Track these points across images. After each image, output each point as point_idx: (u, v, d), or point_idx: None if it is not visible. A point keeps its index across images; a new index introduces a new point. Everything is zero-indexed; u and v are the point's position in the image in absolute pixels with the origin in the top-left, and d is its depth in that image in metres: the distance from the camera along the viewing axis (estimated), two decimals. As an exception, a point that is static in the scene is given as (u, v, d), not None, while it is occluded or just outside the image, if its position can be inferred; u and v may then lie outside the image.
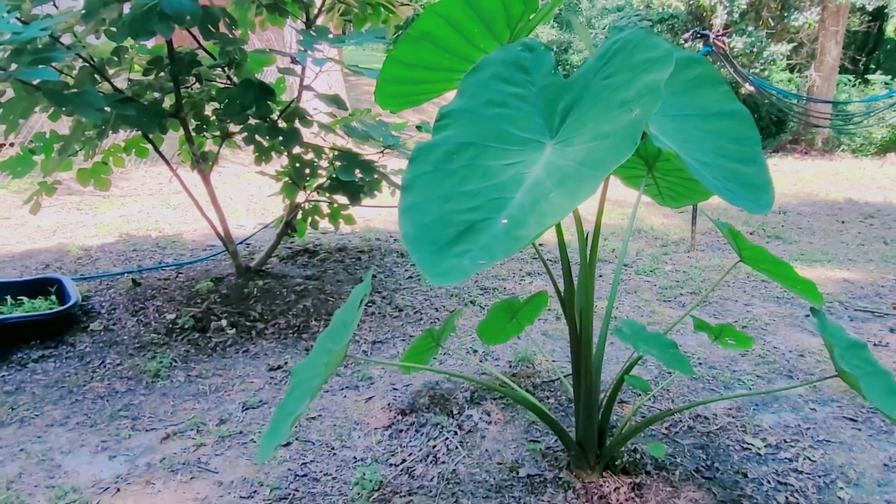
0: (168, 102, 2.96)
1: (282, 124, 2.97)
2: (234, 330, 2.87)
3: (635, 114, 1.21)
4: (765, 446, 2.02)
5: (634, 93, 1.25)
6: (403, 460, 1.96)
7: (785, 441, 2.06)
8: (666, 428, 2.13)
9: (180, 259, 3.91)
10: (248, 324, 2.92)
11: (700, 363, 2.62)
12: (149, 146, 3.22)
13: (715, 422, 2.17)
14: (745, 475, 1.88)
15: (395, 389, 2.40)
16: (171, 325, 2.87)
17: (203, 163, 3.12)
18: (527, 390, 2.34)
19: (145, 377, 2.48)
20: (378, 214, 5.01)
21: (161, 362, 2.57)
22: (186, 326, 2.85)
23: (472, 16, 1.55)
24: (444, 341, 2.15)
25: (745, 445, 2.03)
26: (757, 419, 2.19)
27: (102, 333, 2.83)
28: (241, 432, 2.13)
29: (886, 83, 12.19)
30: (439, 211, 1.25)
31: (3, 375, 2.48)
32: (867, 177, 8.01)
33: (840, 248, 4.51)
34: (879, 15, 15.03)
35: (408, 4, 3.63)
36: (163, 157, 3.16)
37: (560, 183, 1.21)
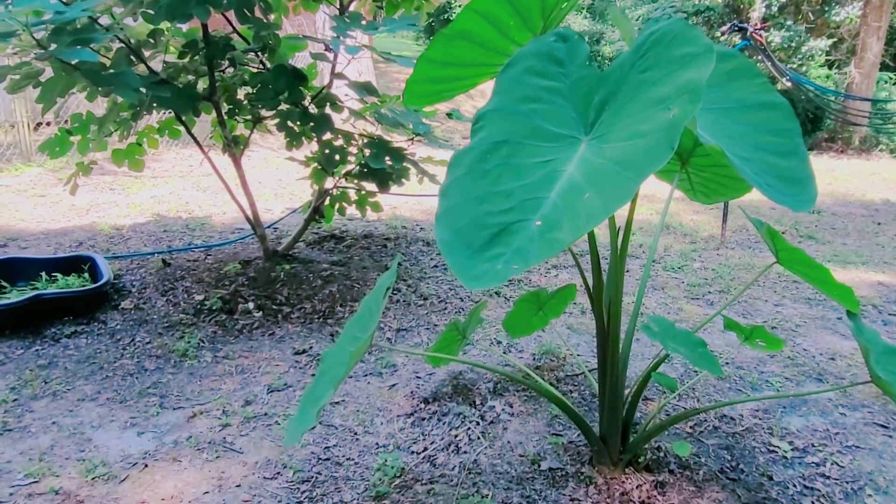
0: (202, 86, 2.99)
1: (313, 110, 2.98)
2: (260, 313, 2.90)
3: (673, 113, 1.18)
4: (791, 449, 1.99)
5: (673, 90, 1.22)
6: (425, 448, 1.97)
7: (812, 445, 2.02)
8: (691, 427, 2.11)
9: (209, 241, 3.96)
10: (274, 307, 2.95)
11: (727, 363, 2.58)
12: (181, 128, 3.26)
13: (741, 423, 2.14)
14: (771, 478, 1.85)
15: (418, 377, 2.41)
16: (199, 306, 2.92)
17: (234, 146, 3.15)
18: (550, 383, 2.33)
19: (174, 356, 2.53)
20: (405, 202, 5.01)
21: (189, 342, 2.61)
22: (214, 308, 2.89)
23: (509, 9, 1.53)
24: (471, 334, 2.15)
25: (772, 448, 2.00)
26: (784, 422, 2.15)
27: (133, 312, 2.89)
28: (265, 414, 2.16)
29: (930, 82, 11.81)
30: (473, 213, 1.24)
31: (36, 350, 2.54)
32: (906, 178, 7.79)
33: (875, 250, 4.40)
34: (925, 11, 14.54)
35: (441, -8, 3.60)
36: (195, 139, 3.20)
37: (595, 183, 1.19)
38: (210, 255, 3.64)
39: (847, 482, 1.85)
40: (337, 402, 2.23)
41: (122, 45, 2.67)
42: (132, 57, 2.71)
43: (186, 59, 2.88)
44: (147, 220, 4.44)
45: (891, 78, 13.02)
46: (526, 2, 1.54)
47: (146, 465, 1.87)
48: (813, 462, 1.94)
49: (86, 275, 3.09)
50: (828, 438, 2.07)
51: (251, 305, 2.94)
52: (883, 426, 2.14)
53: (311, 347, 2.64)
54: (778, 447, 2.01)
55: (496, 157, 1.32)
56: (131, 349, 2.57)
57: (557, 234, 1.15)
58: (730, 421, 2.15)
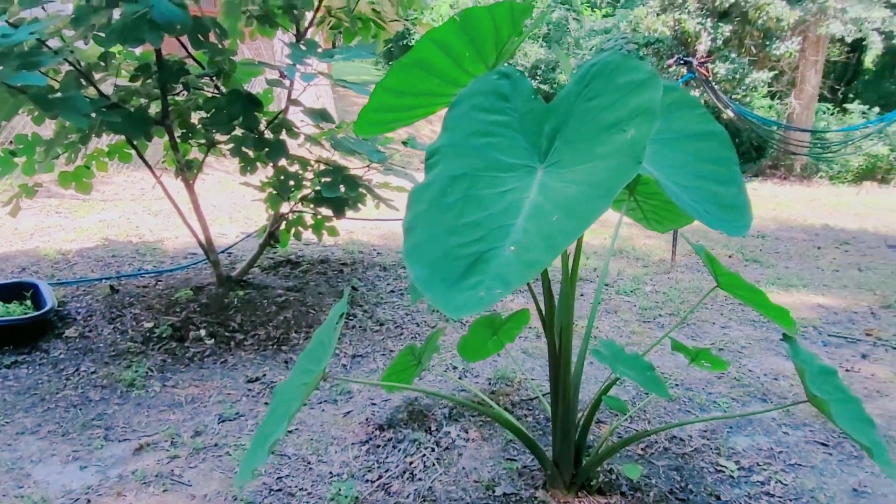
0: (154, 109, 2.95)
1: (268, 135, 2.97)
2: (212, 340, 2.85)
3: (630, 134, 1.23)
4: (738, 469, 2.05)
5: (625, 113, 1.28)
6: (380, 476, 1.95)
7: (758, 464, 2.08)
8: (642, 449, 2.15)
9: (160, 266, 3.88)
10: (227, 334, 2.90)
11: (677, 385, 2.65)
12: (132, 152, 3.20)
13: (690, 443, 2.19)
14: (719, 497, 1.90)
15: (373, 404, 2.40)
16: (148, 334, 2.85)
17: (187, 170, 3.11)
18: (505, 408, 2.35)
19: (120, 386, 2.45)
20: (362, 227, 5.01)
21: (137, 371, 2.54)
22: (164, 335, 2.82)
23: (465, 40, 1.57)
24: (427, 361, 2.15)
25: (719, 468, 2.05)
26: (731, 442, 2.21)
27: (78, 340, 2.80)
28: (216, 445, 2.11)
29: (864, 113, 12.48)
30: (444, 247, 1.24)
31: (-27, 381, 2.43)
32: (843, 204, 8.18)
33: (816, 273, 4.60)
34: (858, 46, 15.43)
35: (398, 20, 3.67)
36: (146, 163, 3.15)
37: (561, 206, 1.22)
38: (161, 280, 3.56)
39: (790, 500, 1.91)
40: (290, 431, 2.20)
41: (72, 67, 2.63)
42: (82, 80, 2.67)
43: (138, 83, 2.85)
44: (95, 244, 4.32)
45: (829, 109, 13.71)
46: (481, 34, 1.58)
47: (89, 501, 1.80)
48: (758, 481, 2.00)
49: (28, 302, 2.98)
50: (772, 457, 2.13)
51: (203, 333, 2.88)
52: (823, 444, 2.22)
53: (264, 375, 2.60)
54: (725, 467, 2.06)
55: (457, 191, 1.33)
56: (75, 379, 2.49)
57: (533, 255, 1.17)
58: (679, 442, 2.20)
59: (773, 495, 1.92)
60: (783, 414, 2.41)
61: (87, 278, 3.57)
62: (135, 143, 3.07)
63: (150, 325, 2.91)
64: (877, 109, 12.44)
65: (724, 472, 2.03)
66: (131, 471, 1.94)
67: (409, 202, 1.35)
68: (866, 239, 5.93)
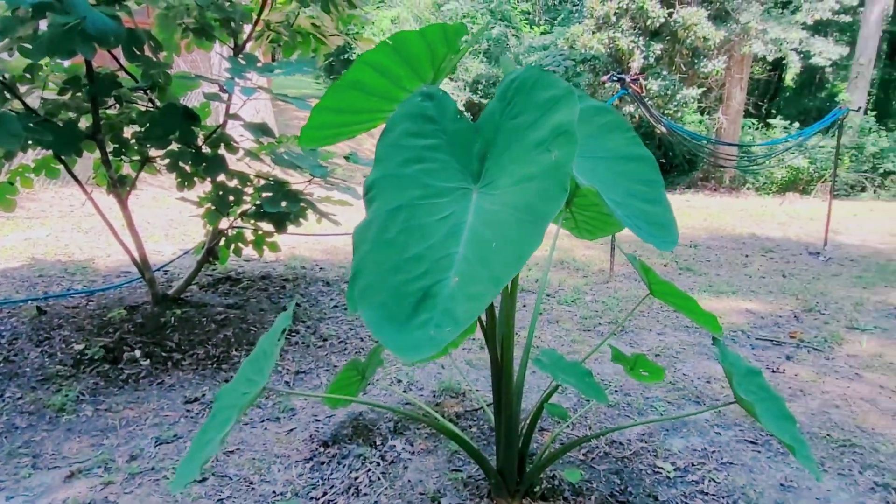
0: (85, 123, 2.85)
1: (206, 150, 2.92)
2: (148, 361, 2.76)
3: (554, 156, 1.26)
4: (674, 470, 2.13)
5: (548, 132, 1.31)
6: (325, 493, 1.93)
7: (692, 464, 2.17)
8: (583, 454, 2.20)
9: (91, 286, 3.73)
10: (163, 354, 2.81)
11: (616, 391, 2.73)
12: (61, 167, 3.08)
13: (629, 447, 2.26)
14: (656, 498, 1.96)
15: (317, 421, 2.37)
16: (79, 357, 2.73)
17: (120, 186, 3.01)
18: (450, 419, 2.36)
19: (49, 412, 2.34)
20: (304, 242, 4.96)
21: (67, 396, 2.44)
22: (96, 357, 2.72)
23: (399, 62, 1.60)
24: (371, 375, 2.15)
25: (657, 469, 2.12)
26: (667, 444, 2.30)
27: (2, 365, 2.66)
28: (153, 469, 2.04)
29: (785, 127, 13.21)
30: (390, 285, 1.23)
31: None
32: (768, 213, 8.62)
33: (744, 280, 4.82)
34: (779, 65, 16.36)
35: (338, 35, 3.67)
36: (76, 179, 3.03)
37: (497, 232, 1.23)
38: (92, 300, 3.42)
39: (723, 497, 1.99)
40: (231, 451, 2.15)
41: (-5, 80, 2.52)
42: (6, 93, 2.56)
43: (67, 96, 2.75)
44: (20, 264, 4.11)
45: (754, 124, 14.45)
46: (415, 54, 1.61)
47: (15, 534, 1.71)
48: (693, 480, 2.07)
49: (-54, 326, 2.82)
50: (706, 457, 2.22)
51: (138, 353, 2.79)
52: (752, 442, 2.33)
53: (203, 395, 2.53)
54: (662, 468, 2.13)
55: (397, 224, 1.32)
56: (-1, 406, 2.36)
57: (477, 287, 1.16)
58: (619, 446, 2.27)
59: (707, 493, 2.00)
60: (715, 415, 2.52)
61: (12, 299, 3.40)
62: (63, 158, 2.96)
63: (80, 347, 2.80)
64: (797, 124, 13.20)
65: (661, 473, 2.11)
66: (62, 499, 1.86)
67: (354, 244, 1.33)
68: (789, 246, 6.27)
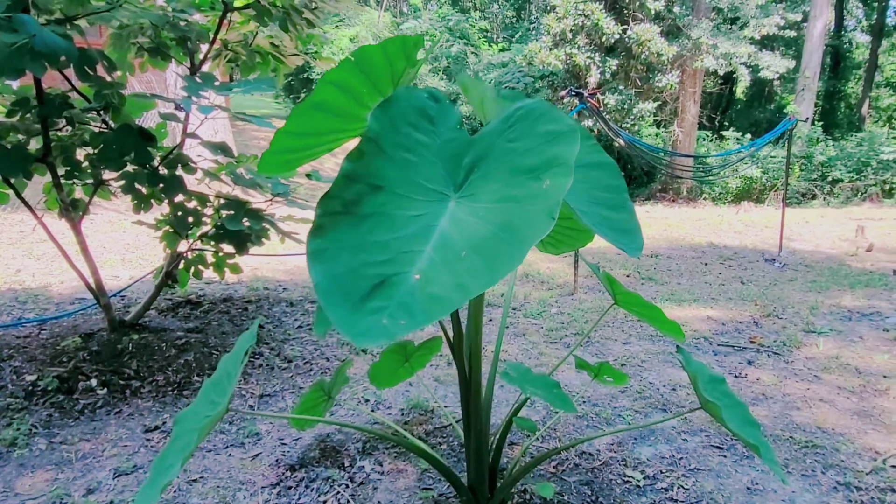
0: (35, 145, 2.77)
1: (163, 171, 2.85)
2: (105, 390, 2.66)
3: (546, 184, 1.26)
4: (643, 478, 2.14)
5: (541, 161, 1.30)
6: (292, 519, 1.88)
7: (661, 472, 2.18)
8: (554, 467, 2.20)
9: (44, 314, 3.60)
10: (121, 382, 2.72)
11: (584, 401, 2.74)
12: (9, 192, 2.97)
13: (598, 457, 2.27)
14: (627, 508, 1.97)
15: (283, 444, 2.32)
16: (31, 388, 2.62)
17: (73, 210, 2.92)
18: (419, 437, 2.34)
19: (-1, 447, 2.24)
20: (267, 263, 4.88)
21: (18, 429, 2.33)
22: (50, 388, 2.61)
23: (362, 78, 1.58)
24: (337, 393, 2.12)
25: (626, 478, 2.13)
26: (636, 452, 2.31)
27: (-52, 400, 2.53)
28: (111, 502, 1.96)
29: (738, 139, 13.63)
30: (350, 262, 1.22)
31: None
32: (725, 222, 8.84)
33: (704, 288, 4.92)
34: (730, 78, 16.91)
35: (297, 54, 3.66)
36: (26, 203, 2.93)
37: (471, 243, 1.22)
38: (45, 329, 3.29)
39: (692, 503, 2.01)
40: (194, 480, 2.08)
41: (-63, 102, 2.43)
42: (-51, 116, 2.47)
43: (16, 118, 2.67)
44: (-32, 293, 3.95)
45: (708, 136, 14.87)
46: (376, 69, 1.61)
47: (-38, 578, 1.62)
48: (662, 488, 2.09)
49: None
50: (674, 464, 2.24)
51: (94, 382, 2.69)
52: (718, 447, 2.36)
53: (164, 423, 2.45)
54: (632, 477, 2.14)
55: (372, 203, 1.31)
56: (-55, 443, 2.24)
57: (439, 289, 1.15)
58: (588, 457, 2.27)
59: (676, 500, 2.02)
60: (682, 422, 2.55)
61: (-41, 331, 3.25)
62: (12, 182, 2.86)
63: (33, 377, 2.68)
64: (749, 135, 13.64)
65: (631, 482, 2.11)
66: (13, 539, 1.77)
67: (327, 194, 1.30)
68: (746, 254, 6.43)
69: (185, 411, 1.58)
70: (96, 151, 2.74)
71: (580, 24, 12.07)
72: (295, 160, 1.80)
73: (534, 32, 16.16)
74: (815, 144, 12.98)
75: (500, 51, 17.20)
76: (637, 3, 12.26)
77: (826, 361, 3.26)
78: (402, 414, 2.58)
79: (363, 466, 2.16)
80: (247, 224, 3.01)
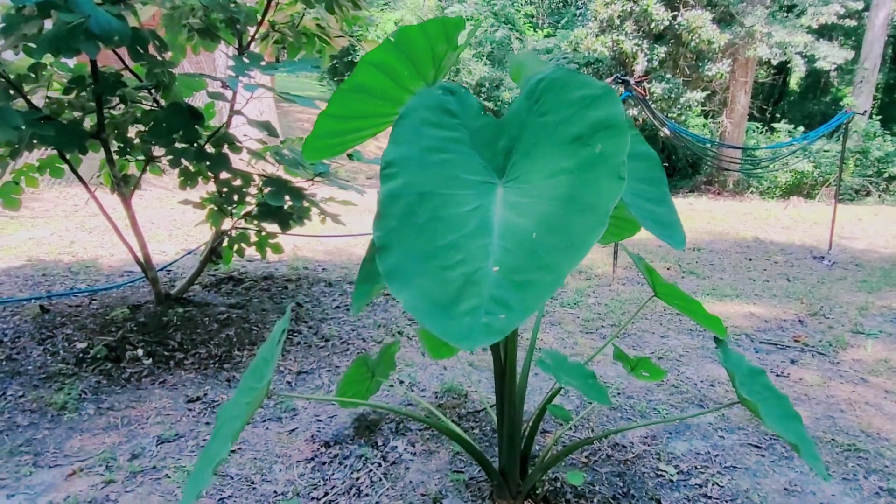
0: (89, 123, 2.86)
1: (210, 149, 2.92)
2: (150, 360, 2.75)
3: (598, 149, 1.24)
4: (677, 473, 2.11)
5: (586, 128, 1.27)
6: (326, 493, 1.92)
7: (696, 468, 2.15)
8: (586, 457, 2.19)
9: (95, 285, 3.73)
10: (166, 353, 2.81)
11: (619, 393, 2.71)
12: (65, 166, 3.08)
13: (632, 450, 2.25)
14: (659, 501, 1.95)
15: (318, 421, 2.37)
16: (81, 355, 2.73)
17: (124, 186, 3.01)
18: (453, 420, 2.35)
19: (51, 410, 2.34)
20: (307, 243, 4.96)
21: (69, 394, 2.43)
22: (99, 356, 2.71)
23: (402, 59, 1.58)
24: (382, 376, 2.13)
25: (659, 472, 2.11)
26: (670, 447, 2.28)
27: (4, 363, 2.66)
28: (154, 467, 2.03)
29: (790, 131, 13.18)
30: (428, 271, 1.20)
31: None
32: (773, 217, 8.59)
33: (748, 283, 4.81)
34: (784, 69, 16.33)
35: (342, 36, 3.68)
36: (80, 178, 3.03)
37: (539, 223, 1.20)
38: (95, 299, 3.42)
39: (727, 501, 1.98)
40: (233, 451, 2.14)
41: (0, 78, 2.52)
42: (10, 91, 2.56)
43: (72, 95, 2.76)
44: (23, 263, 4.12)
45: (758, 128, 14.43)
46: (417, 51, 1.60)
47: (15, 532, 1.71)
48: (696, 483, 2.06)
49: (-51, 324, 2.82)
50: (709, 460, 2.21)
51: (140, 352, 2.79)
52: (756, 446, 2.32)
53: (205, 394, 2.53)
54: (665, 471, 2.12)
55: (426, 210, 1.29)
56: (1, 404, 2.36)
57: (524, 276, 1.13)
58: (621, 449, 2.26)
59: (710, 497, 1.99)
60: (719, 418, 2.51)
61: (15, 298, 3.40)
62: (68, 157, 2.96)
63: (83, 345, 2.80)
64: (801, 128, 13.17)
65: (664, 476, 2.09)
66: (63, 497, 1.85)
67: (380, 214, 1.28)
68: (794, 251, 6.24)
69: (226, 403, 1.61)
70: (147, 129, 2.82)
71: (628, 9, 11.80)
72: (339, 145, 1.81)
73: (580, 18, 15.87)
74: (872, 139, 12.46)
75: (546, 36, 16.96)
76: (689, -11, 11.92)
77: (874, 364, 3.16)
78: (437, 397, 2.60)
79: (396, 446, 2.19)
80: (289, 203, 3.06)
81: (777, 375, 2.99)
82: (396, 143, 1.38)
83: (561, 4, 19.38)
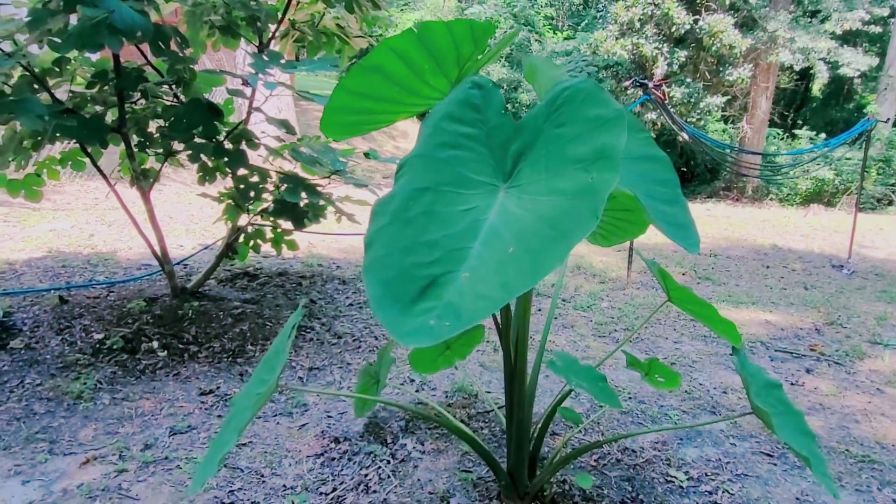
0: (110, 117, 2.90)
1: (228, 145, 2.95)
2: (165, 352, 2.79)
3: (592, 178, 1.24)
4: (687, 479, 2.10)
5: (590, 151, 1.27)
6: (334, 489, 1.94)
7: (706, 474, 2.14)
8: (595, 460, 2.18)
9: (112, 277, 3.78)
10: (180, 346, 2.84)
11: (630, 398, 2.70)
12: (86, 160, 3.13)
13: (642, 455, 2.24)
14: (668, 507, 1.94)
15: (329, 417, 2.38)
16: (98, 346, 2.77)
17: (143, 180, 3.05)
18: (462, 420, 2.36)
19: (67, 399, 2.38)
20: (322, 240, 4.98)
21: (85, 384, 2.47)
22: (115, 347, 2.75)
23: (424, 53, 1.58)
24: (385, 377, 2.14)
25: (669, 478, 2.10)
26: (681, 453, 2.27)
27: (23, 352, 2.70)
28: (166, 458, 2.06)
29: (811, 138, 13.02)
30: (400, 265, 1.22)
31: None
32: (792, 225, 8.49)
33: (764, 291, 4.76)
34: (806, 74, 16.12)
35: (362, 36, 3.69)
36: (101, 171, 3.08)
37: (519, 238, 1.21)
38: (113, 291, 3.47)
39: (736, 509, 1.97)
40: (244, 444, 2.16)
41: (26, 72, 2.57)
42: (35, 85, 2.61)
43: (95, 90, 2.80)
44: (44, 254, 4.19)
45: (778, 134, 14.26)
46: (440, 48, 1.60)
47: (30, 517, 1.74)
48: (706, 490, 2.05)
49: (-29, 312, 2.87)
50: (720, 468, 2.19)
51: (155, 344, 2.82)
52: (768, 455, 2.30)
53: (218, 388, 2.56)
54: (675, 477, 2.11)
55: (419, 205, 1.31)
56: (19, 391, 2.40)
57: (485, 288, 1.14)
58: (631, 453, 2.24)
59: (720, 504, 1.98)
60: (731, 426, 2.49)
61: (35, 288, 3.46)
62: (89, 150, 3.01)
63: (100, 336, 2.84)
64: (823, 135, 13.00)
65: (673, 482, 2.08)
66: (76, 485, 1.88)
67: (373, 214, 1.32)
68: (812, 259, 6.17)
69: (239, 393, 1.63)
70: (167, 124, 2.85)
71: (649, 13, 11.72)
72: (355, 124, 1.81)
73: (600, 21, 15.80)
74: (894, 148, 12.28)
75: (565, 39, 16.91)
76: (711, -7, 11.82)
77: (891, 375, 3.11)
78: (447, 396, 2.60)
79: (405, 444, 2.19)
80: (305, 199, 3.08)
81: (792, 384, 2.96)
82: (417, 141, 1.41)
83: (581, 7, 19.30)
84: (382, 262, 1.24)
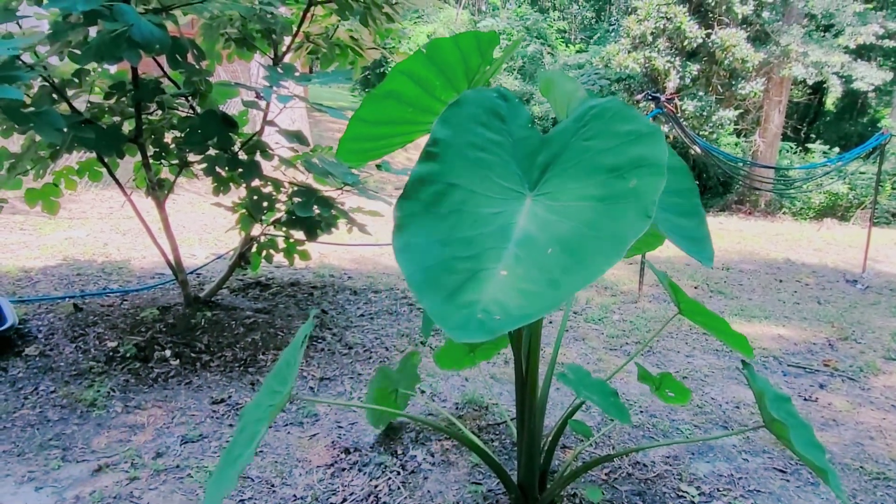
0: (127, 127, 2.94)
1: (242, 156, 2.98)
2: (178, 361, 2.81)
3: (633, 184, 1.25)
4: (699, 494, 2.08)
5: (626, 161, 1.29)
6: (344, 499, 1.94)
7: (718, 490, 2.12)
8: (606, 474, 2.17)
9: (127, 286, 3.82)
10: (193, 355, 2.86)
11: (641, 411, 2.68)
12: (103, 170, 3.18)
13: (653, 469, 2.22)
14: (680, 523, 1.92)
15: (339, 427, 2.38)
16: (111, 354, 2.79)
17: (158, 189, 3.09)
18: (472, 432, 2.35)
19: (80, 406, 2.40)
20: (334, 251, 5.01)
21: (98, 391, 2.49)
22: (128, 355, 2.78)
23: (434, 70, 1.61)
24: (408, 388, 2.15)
25: (680, 493, 2.08)
26: (693, 468, 2.25)
27: (38, 359, 2.73)
28: (177, 466, 2.07)
29: (825, 152, 12.94)
30: (439, 255, 1.23)
31: (-74, 399, 2.36)
32: (805, 239, 8.43)
33: (777, 305, 4.72)
34: (819, 89, 16.06)
35: (375, 48, 3.73)
36: (117, 181, 3.12)
37: (557, 240, 1.22)
38: (127, 300, 3.50)
39: (749, 525, 1.94)
40: (254, 454, 2.17)
41: (45, 83, 2.62)
42: (54, 96, 2.65)
43: (112, 101, 2.85)
44: (59, 262, 4.24)
45: (791, 148, 14.19)
46: (449, 63, 1.63)
47: (42, 523, 1.75)
48: (718, 506, 2.03)
49: (-13, 319, 2.91)
50: (732, 483, 2.17)
51: (168, 353, 2.84)
52: (781, 471, 2.27)
53: (229, 397, 2.57)
54: (686, 492, 2.09)
55: (450, 202, 1.32)
56: (33, 398, 2.43)
57: (531, 286, 1.15)
58: (642, 468, 2.23)
59: (732, 520, 1.96)
60: (743, 441, 2.46)
61: (50, 296, 3.50)
62: (106, 160, 3.05)
63: (113, 344, 2.86)
64: (837, 149, 12.91)
65: (685, 497, 2.06)
66: (89, 492, 1.90)
67: (405, 194, 1.31)
68: (826, 273, 6.11)
69: (249, 404, 1.64)
70: (183, 135, 2.89)
71: (661, 26, 11.74)
72: (371, 150, 1.83)
73: (613, 34, 15.85)
74: (910, 162, 12.16)
75: (577, 52, 16.97)
76: (724, 7, 11.82)
77: (907, 391, 3.07)
78: (457, 408, 2.60)
79: (415, 455, 2.19)
80: (317, 211, 3.10)
81: (805, 400, 2.93)
82: (446, 124, 1.40)
83: (593, 20, 19.39)
84: (420, 248, 1.25)
